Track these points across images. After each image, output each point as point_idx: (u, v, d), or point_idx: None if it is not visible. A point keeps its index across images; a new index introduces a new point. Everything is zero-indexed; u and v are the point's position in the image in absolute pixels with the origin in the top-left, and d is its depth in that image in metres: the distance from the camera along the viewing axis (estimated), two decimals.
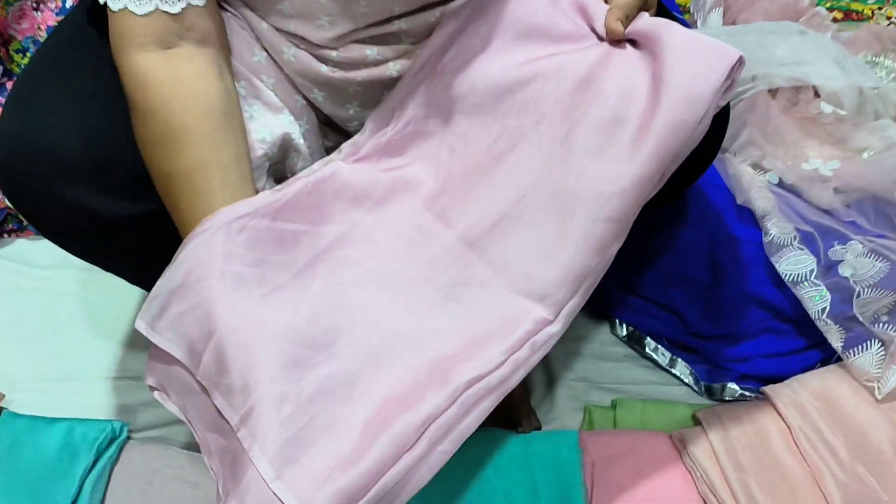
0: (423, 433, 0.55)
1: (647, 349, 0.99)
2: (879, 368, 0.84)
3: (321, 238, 0.65)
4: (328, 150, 0.78)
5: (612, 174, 0.58)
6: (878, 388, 0.84)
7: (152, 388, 0.67)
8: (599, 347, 1.01)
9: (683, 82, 0.56)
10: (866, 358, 0.85)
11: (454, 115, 0.66)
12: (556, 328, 0.62)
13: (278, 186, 0.67)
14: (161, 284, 0.62)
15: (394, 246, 0.66)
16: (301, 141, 0.74)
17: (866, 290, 0.87)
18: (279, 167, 0.76)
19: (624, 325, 1.02)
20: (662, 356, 0.98)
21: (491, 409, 0.60)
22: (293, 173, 0.75)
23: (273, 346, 0.57)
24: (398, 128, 0.69)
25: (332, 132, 0.80)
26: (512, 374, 0.60)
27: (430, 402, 0.56)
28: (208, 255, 0.60)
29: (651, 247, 0.99)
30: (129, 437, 0.86)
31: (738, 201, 0.97)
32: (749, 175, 0.99)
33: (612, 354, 1.00)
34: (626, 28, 0.61)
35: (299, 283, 0.62)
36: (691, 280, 0.97)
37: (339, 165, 0.68)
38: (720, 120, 0.70)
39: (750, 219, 0.96)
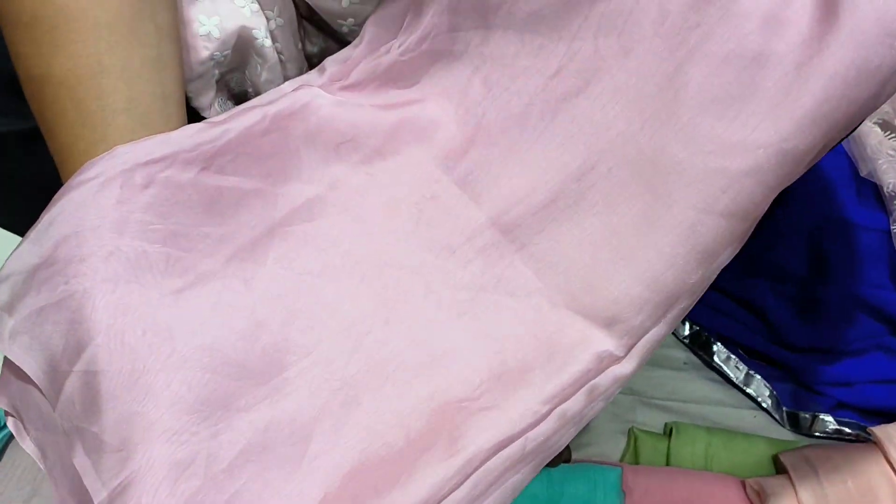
0: None
1: (715, 358, 0.87)
2: None
3: (279, 202, 0.49)
4: (309, 60, 0.64)
5: (744, 142, 0.43)
6: None
7: (7, 413, 0.51)
8: None
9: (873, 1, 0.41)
10: None
11: (495, 29, 0.51)
12: (627, 369, 0.48)
13: (218, 118, 0.50)
14: (17, 259, 0.46)
15: (388, 222, 0.51)
16: (267, 42, 0.58)
17: None
18: (237, 77, 0.61)
19: (687, 323, 0.89)
20: (735, 369, 0.86)
21: (525, 484, 0.47)
22: (256, 89, 0.60)
23: (179, 377, 0.42)
24: (410, 42, 0.54)
25: (316, 34, 0.65)
26: (555, 432, 0.46)
27: (428, 478, 0.42)
28: (92, 218, 0.44)
29: None
30: None
31: (862, 173, 0.85)
32: (877, 138, 0.86)
33: (669, 360, 0.88)
34: None
35: (237, 273, 0.47)
36: (785, 272, 0.87)
37: (318, 94, 0.53)
38: None
39: (873, 197, 0.85)
